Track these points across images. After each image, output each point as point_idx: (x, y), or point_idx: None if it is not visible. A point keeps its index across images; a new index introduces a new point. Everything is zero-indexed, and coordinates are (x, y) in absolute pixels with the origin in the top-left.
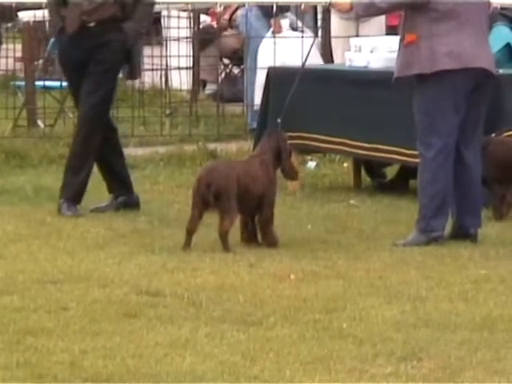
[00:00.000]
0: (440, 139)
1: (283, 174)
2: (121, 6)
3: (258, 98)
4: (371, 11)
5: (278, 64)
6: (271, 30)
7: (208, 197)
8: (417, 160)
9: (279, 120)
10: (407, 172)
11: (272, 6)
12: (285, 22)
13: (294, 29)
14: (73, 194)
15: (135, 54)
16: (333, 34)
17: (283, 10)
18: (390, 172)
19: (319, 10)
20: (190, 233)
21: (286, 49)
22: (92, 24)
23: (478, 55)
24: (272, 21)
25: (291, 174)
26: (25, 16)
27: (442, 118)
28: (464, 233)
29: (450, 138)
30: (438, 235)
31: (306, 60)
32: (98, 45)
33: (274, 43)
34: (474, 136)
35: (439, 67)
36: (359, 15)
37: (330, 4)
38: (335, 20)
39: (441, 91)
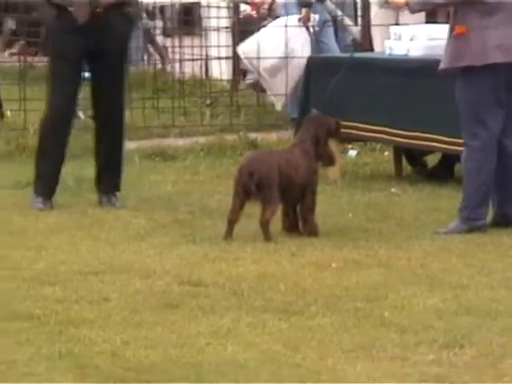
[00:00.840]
0: (485, 129)
1: (320, 160)
2: None
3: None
4: (427, 6)
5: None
6: (298, 18)
7: (250, 186)
8: (458, 148)
9: (314, 111)
10: (451, 159)
11: None
12: (314, 16)
13: (333, 17)
14: (115, 187)
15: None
16: (373, 22)
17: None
18: (432, 160)
19: None
20: (231, 223)
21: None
22: (99, 10)
23: (507, 50)
24: (303, 10)
25: (328, 160)
26: None
27: (487, 109)
28: (506, 221)
29: (494, 127)
30: (481, 224)
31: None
32: (106, 32)
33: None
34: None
35: (490, 60)
36: (415, 10)
37: (387, 1)
38: (375, 8)
39: (487, 83)
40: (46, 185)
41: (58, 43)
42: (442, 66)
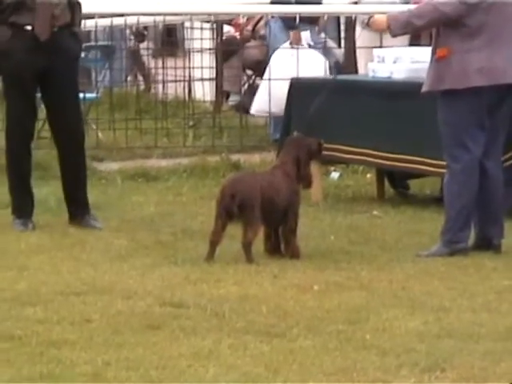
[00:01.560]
0: (466, 152)
1: (301, 182)
2: (71, 10)
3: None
4: (407, 29)
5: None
6: (289, 41)
7: (232, 208)
8: (441, 170)
9: (295, 133)
10: None
11: (295, 18)
12: (305, 34)
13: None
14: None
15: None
16: (357, 44)
17: (306, 21)
18: (415, 184)
19: (342, 20)
20: (213, 244)
21: (300, 61)
22: (55, 29)
23: (507, 70)
24: (291, 32)
25: (306, 182)
26: None
27: (468, 132)
28: (487, 243)
29: (475, 150)
30: (463, 247)
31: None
32: (59, 52)
33: (292, 55)
34: (495, 147)
35: (471, 84)
36: (396, 34)
37: (368, 24)
38: (359, 30)
39: (469, 106)
40: (23, 204)
41: (13, 63)
42: (424, 88)
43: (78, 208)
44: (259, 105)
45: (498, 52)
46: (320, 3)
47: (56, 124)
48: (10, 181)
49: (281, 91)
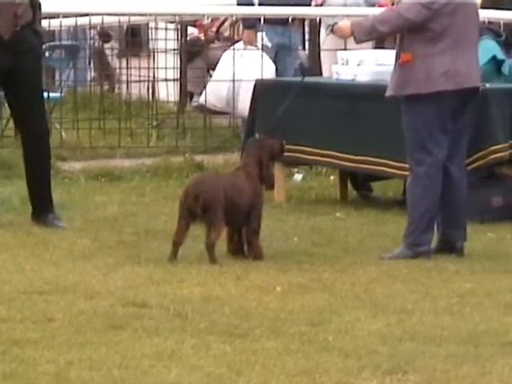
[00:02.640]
0: (429, 156)
1: (264, 183)
2: (33, 9)
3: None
4: (372, 36)
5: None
6: (242, 40)
7: (195, 209)
8: (404, 173)
9: (257, 135)
10: None
11: (259, 19)
12: (261, 35)
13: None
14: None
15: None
16: (321, 46)
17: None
18: (377, 186)
19: (307, 23)
20: (176, 244)
21: (244, 62)
22: (18, 28)
23: (471, 74)
24: (245, 31)
25: (268, 184)
26: None
27: (432, 136)
28: (450, 246)
29: (439, 154)
30: (425, 249)
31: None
32: (23, 50)
33: (241, 55)
34: (458, 150)
35: (435, 88)
36: (361, 40)
37: (332, 30)
38: (324, 33)
39: (432, 111)
40: None
41: None
42: (388, 93)
43: (41, 206)
44: (203, 96)
45: (461, 56)
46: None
47: (21, 122)
48: None
49: (223, 88)
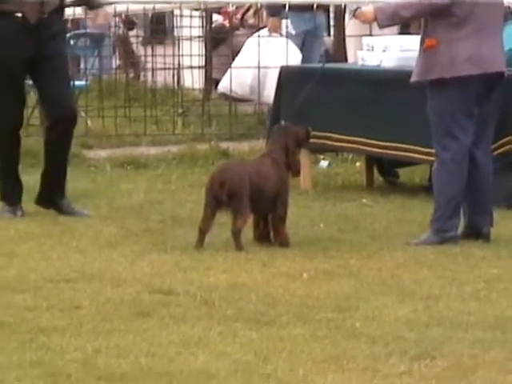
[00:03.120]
0: (455, 141)
1: (290, 170)
2: None
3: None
4: (395, 21)
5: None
6: (267, 28)
7: (221, 196)
8: (430, 158)
9: (282, 122)
10: None
11: (284, 6)
12: (285, 22)
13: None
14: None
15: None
16: (347, 32)
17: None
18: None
19: (331, 9)
20: (202, 232)
21: (270, 50)
22: (45, 15)
23: (495, 59)
24: (270, 19)
25: (294, 170)
26: None
27: (457, 121)
28: (476, 232)
29: (464, 140)
30: (452, 235)
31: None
32: (49, 37)
33: (266, 42)
34: (484, 136)
35: (459, 73)
36: (383, 25)
37: (355, 15)
38: (348, 19)
39: (456, 95)
40: (11, 192)
41: (2, 51)
42: (413, 78)
43: (57, 191)
44: (224, 83)
45: (485, 41)
46: None
47: (49, 108)
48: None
49: (247, 75)
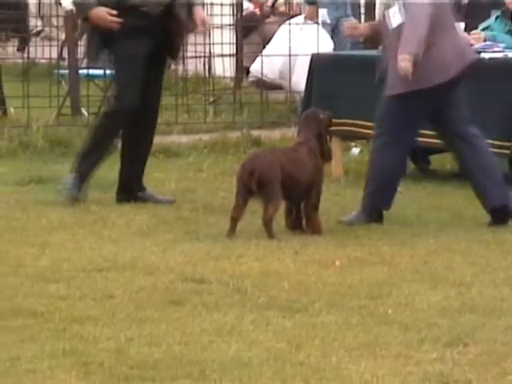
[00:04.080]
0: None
1: (324, 157)
2: None
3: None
4: (420, 43)
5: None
6: (303, 15)
7: (251, 185)
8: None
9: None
10: None
11: None
12: (322, 11)
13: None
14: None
15: None
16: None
17: None
18: (435, 159)
19: None
20: (234, 220)
21: (303, 37)
22: (163, 8)
23: (462, 56)
24: (307, 7)
25: (327, 157)
26: (68, 4)
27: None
28: (499, 214)
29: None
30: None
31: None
32: (163, 32)
33: (300, 29)
34: (465, 119)
35: (434, 82)
36: (419, 53)
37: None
38: (380, 7)
39: (428, 103)
40: (92, 167)
41: (127, 44)
42: (391, 92)
43: (140, 183)
44: (256, 66)
45: (452, 42)
46: None
47: (146, 101)
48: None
49: (277, 60)
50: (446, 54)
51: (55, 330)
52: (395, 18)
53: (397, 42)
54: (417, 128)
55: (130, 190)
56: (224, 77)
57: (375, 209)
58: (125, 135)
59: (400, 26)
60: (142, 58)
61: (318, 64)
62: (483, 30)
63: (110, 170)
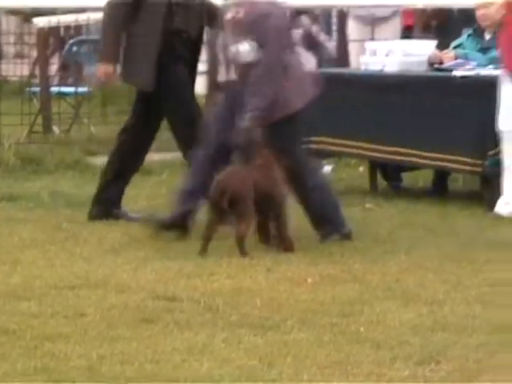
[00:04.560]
0: None
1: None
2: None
3: None
4: (270, 96)
5: None
6: None
7: (223, 202)
8: (434, 163)
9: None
10: (443, 175)
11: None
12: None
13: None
14: None
15: None
16: (350, 37)
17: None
18: (409, 176)
19: (334, 13)
20: (206, 239)
21: None
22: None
23: (304, 92)
24: None
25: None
26: (40, 22)
27: None
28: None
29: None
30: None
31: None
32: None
33: None
34: None
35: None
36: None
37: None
38: (352, 24)
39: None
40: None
41: (181, 66)
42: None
43: (120, 200)
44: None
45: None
46: None
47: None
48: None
49: None
50: (289, 92)
51: (27, 347)
52: (246, 54)
53: (247, 74)
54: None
55: (106, 205)
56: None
57: None
58: (127, 150)
59: (250, 63)
60: (189, 81)
61: None
62: (455, 47)
63: (81, 186)
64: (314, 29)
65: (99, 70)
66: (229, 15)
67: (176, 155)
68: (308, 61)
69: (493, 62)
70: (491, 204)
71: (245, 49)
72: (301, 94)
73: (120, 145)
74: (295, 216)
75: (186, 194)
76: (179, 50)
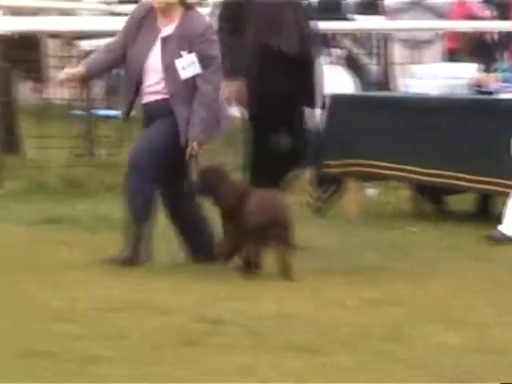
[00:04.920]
0: None
1: None
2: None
3: None
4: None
5: None
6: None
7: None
8: (479, 186)
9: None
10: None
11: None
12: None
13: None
14: None
15: None
16: (396, 60)
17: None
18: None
19: (374, 36)
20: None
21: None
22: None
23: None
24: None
25: None
26: (86, 45)
27: None
28: None
29: None
30: None
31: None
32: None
33: None
34: None
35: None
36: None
37: None
38: (397, 47)
39: None
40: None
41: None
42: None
43: None
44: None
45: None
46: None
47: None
48: None
49: None
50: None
51: (69, 370)
52: (185, 71)
53: (184, 92)
54: None
55: None
56: None
57: None
58: None
59: (188, 80)
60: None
61: (334, 104)
62: (503, 71)
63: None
64: (355, 51)
65: (227, 88)
66: None
67: None
68: (348, 82)
69: None
70: None
71: (183, 65)
72: (224, 119)
73: None
74: (339, 239)
75: None
76: (278, 68)
